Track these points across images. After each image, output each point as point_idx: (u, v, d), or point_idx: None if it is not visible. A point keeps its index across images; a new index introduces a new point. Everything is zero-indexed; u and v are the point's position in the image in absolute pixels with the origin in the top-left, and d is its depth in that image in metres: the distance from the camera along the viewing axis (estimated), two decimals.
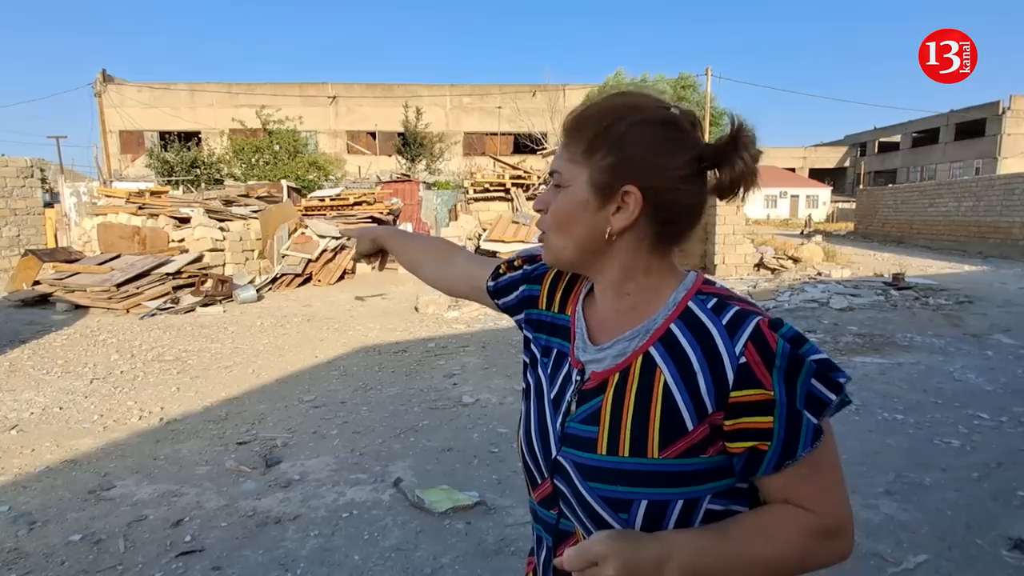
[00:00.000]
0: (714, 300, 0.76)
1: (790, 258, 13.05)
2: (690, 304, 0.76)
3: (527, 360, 0.95)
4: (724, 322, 0.72)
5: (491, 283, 1.03)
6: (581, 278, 0.91)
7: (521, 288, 0.97)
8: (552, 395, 0.85)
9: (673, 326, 0.75)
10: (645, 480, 0.72)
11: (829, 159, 50.41)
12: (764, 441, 0.69)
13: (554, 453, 0.82)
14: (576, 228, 0.79)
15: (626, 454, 0.74)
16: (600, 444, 0.76)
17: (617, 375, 0.77)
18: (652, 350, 0.75)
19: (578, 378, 0.82)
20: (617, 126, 0.75)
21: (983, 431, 3.98)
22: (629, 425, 0.74)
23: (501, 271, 1.02)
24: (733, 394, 0.69)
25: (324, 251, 11.73)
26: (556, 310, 0.91)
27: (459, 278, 1.13)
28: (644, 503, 0.72)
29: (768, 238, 15.17)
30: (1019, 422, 4.13)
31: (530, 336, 0.94)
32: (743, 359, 0.69)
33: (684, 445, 0.71)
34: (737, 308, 0.73)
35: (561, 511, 0.82)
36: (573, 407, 0.81)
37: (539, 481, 0.85)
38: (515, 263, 1.01)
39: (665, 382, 0.73)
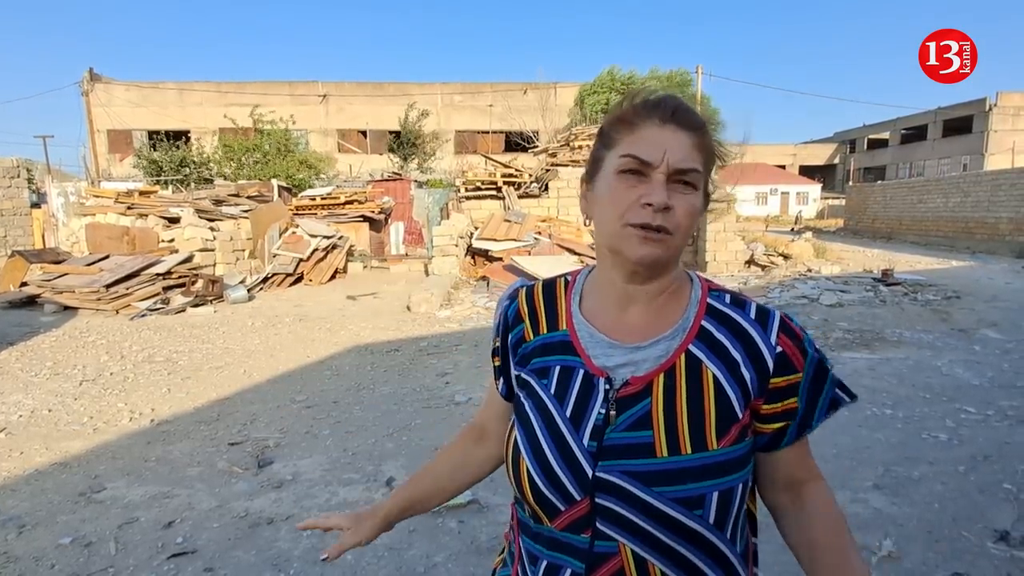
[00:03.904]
0: (728, 296, 0.83)
1: (780, 255, 13.13)
2: (710, 301, 0.82)
3: (517, 392, 0.90)
4: (752, 316, 0.81)
5: (502, 387, 0.95)
6: (560, 294, 0.89)
7: (509, 339, 0.92)
8: (569, 412, 0.80)
9: (705, 322, 0.80)
10: (712, 472, 0.75)
11: (819, 156, 50.71)
12: (791, 420, 0.79)
13: (590, 472, 0.77)
14: (691, 232, 0.79)
15: (688, 451, 0.75)
16: (658, 447, 0.75)
17: (662, 376, 0.78)
18: (692, 347, 0.79)
19: (607, 386, 0.79)
20: (724, 156, 0.82)
21: (970, 425, 4.03)
22: (686, 422, 0.76)
23: (497, 364, 0.96)
24: (773, 380, 0.78)
25: (315, 250, 11.69)
26: (545, 331, 0.88)
27: (499, 426, 0.98)
28: (715, 495, 0.75)
29: (758, 235, 15.25)
30: (1005, 416, 4.19)
31: (520, 370, 0.90)
32: (780, 348, 0.78)
33: (736, 431, 0.77)
34: (755, 303, 0.82)
35: (597, 532, 0.77)
36: (613, 417, 0.78)
37: (563, 508, 0.79)
38: (495, 344, 0.96)
39: (713, 375, 0.78)
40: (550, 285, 0.91)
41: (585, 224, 0.86)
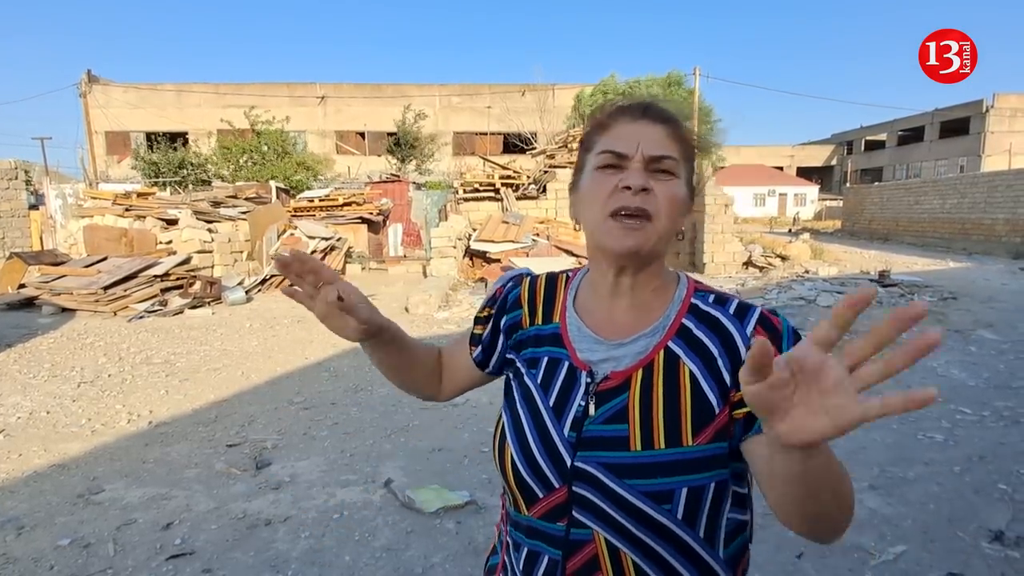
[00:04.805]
0: (712, 296, 0.84)
1: (778, 256, 13.16)
2: (693, 300, 0.84)
3: (510, 378, 0.93)
4: (731, 312, 0.82)
5: (478, 353, 0.98)
6: (560, 288, 0.93)
7: (503, 321, 0.95)
8: (552, 402, 0.83)
9: (685, 320, 0.82)
10: (684, 468, 0.76)
11: (817, 157, 50.81)
12: None
13: (568, 460, 0.79)
14: (676, 220, 0.81)
15: (662, 446, 0.76)
16: (633, 441, 0.77)
17: (641, 371, 0.80)
18: (671, 344, 0.81)
19: (588, 380, 0.82)
20: (704, 148, 0.85)
21: (965, 426, 4.05)
22: (661, 418, 0.77)
23: (478, 332, 0.98)
24: None
25: (314, 252, 11.69)
26: (540, 322, 0.91)
27: (450, 375, 1.02)
28: (685, 491, 0.76)
29: (756, 236, 15.29)
30: (1000, 416, 4.21)
31: (514, 357, 0.93)
32: (755, 338, 0.75)
33: (713, 429, 0.77)
34: (738, 300, 0.83)
35: (573, 520, 0.79)
36: (591, 409, 0.80)
37: (542, 495, 0.81)
38: (483, 313, 0.98)
39: (690, 372, 0.79)
40: (553, 279, 0.95)
41: (575, 229, 0.88)
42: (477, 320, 0.99)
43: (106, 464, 3.62)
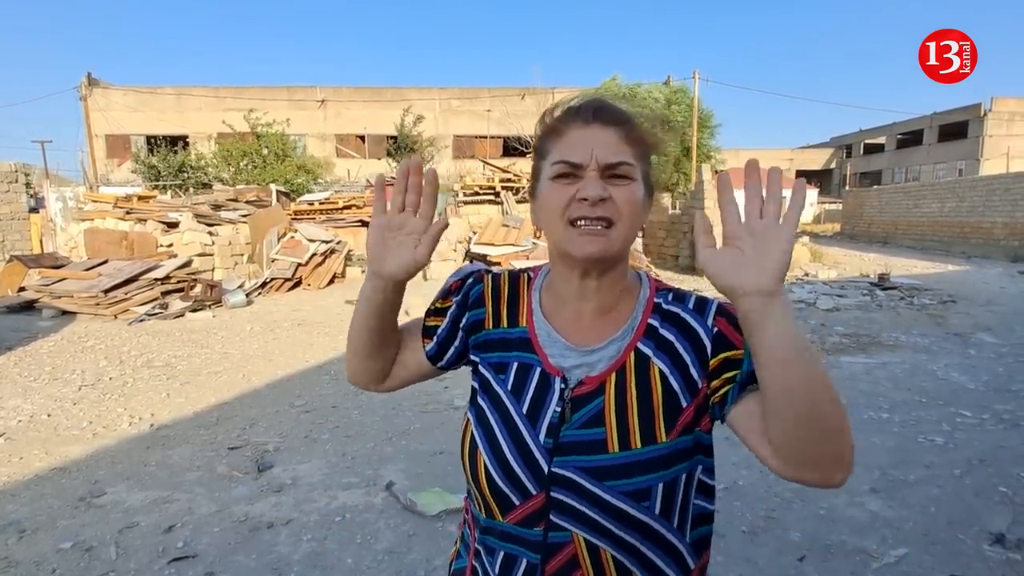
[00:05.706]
0: (671, 293, 0.86)
1: None
2: (656, 299, 0.85)
3: (476, 385, 0.90)
4: (690, 307, 0.83)
5: (432, 347, 0.93)
6: (523, 289, 0.91)
7: (465, 318, 0.92)
8: (525, 409, 0.83)
9: (651, 320, 0.83)
10: (659, 464, 0.78)
11: (816, 161, 50.86)
12: (734, 380, 0.78)
13: (546, 467, 0.80)
14: (637, 222, 0.81)
15: (639, 445, 0.78)
16: (610, 443, 0.78)
17: (614, 375, 0.81)
18: (640, 345, 0.82)
19: (563, 385, 0.82)
20: (660, 145, 0.84)
21: (966, 429, 4.06)
22: (636, 418, 0.79)
23: (432, 324, 0.94)
24: (712, 361, 0.79)
25: (314, 255, 11.70)
26: (505, 325, 0.89)
27: (412, 360, 0.95)
28: (661, 486, 0.78)
29: None
30: (1000, 419, 4.22)
31: (478, 359, 0.91)
32: (716, 328, 0.80)
33: (682, 424, 0.80)
34: (695, 295, 0.86)
35: (551, 525, 0.80)
36: (568, 415, 0.81)
37: (518, 502, 0.81)
38: (438, 304, 0.95)
39: (660, 370, 0.80)
40: (515, 279, 0.92)
41: (536, 236, 0.87)
42: (432, 312, 0.94)
43: (107, 467, 3.62)
